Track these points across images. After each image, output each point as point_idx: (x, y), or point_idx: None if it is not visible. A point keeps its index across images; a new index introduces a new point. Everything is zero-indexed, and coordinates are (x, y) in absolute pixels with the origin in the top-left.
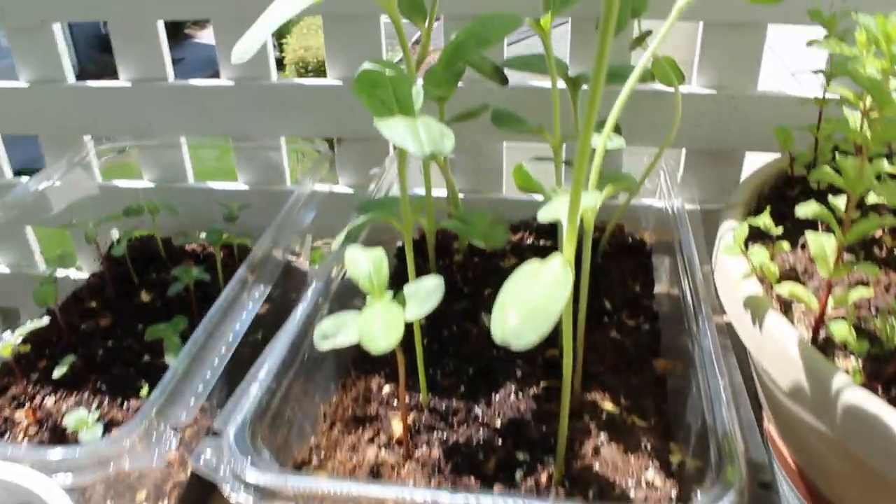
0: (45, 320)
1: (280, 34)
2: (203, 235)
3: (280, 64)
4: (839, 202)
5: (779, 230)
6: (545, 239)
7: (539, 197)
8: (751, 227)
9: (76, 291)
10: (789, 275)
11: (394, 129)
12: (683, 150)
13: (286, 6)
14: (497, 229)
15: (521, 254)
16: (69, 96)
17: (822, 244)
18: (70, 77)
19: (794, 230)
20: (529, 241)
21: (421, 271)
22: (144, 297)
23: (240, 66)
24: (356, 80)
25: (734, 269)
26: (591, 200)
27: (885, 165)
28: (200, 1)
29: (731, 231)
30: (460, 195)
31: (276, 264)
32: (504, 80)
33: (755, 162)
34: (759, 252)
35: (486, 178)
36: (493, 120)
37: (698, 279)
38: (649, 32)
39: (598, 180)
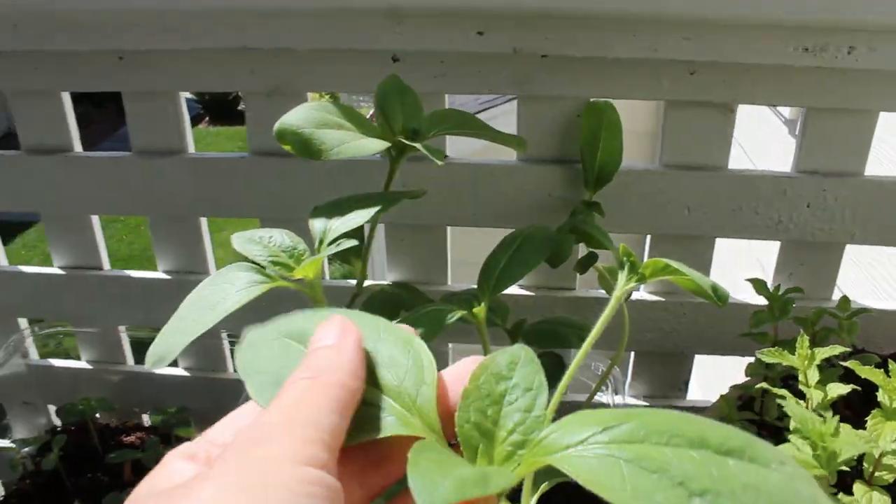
0: None
1: None
2: (146, 419)
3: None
4: None
5: None
6: None
7: None
8: None
9: (4, 501)
10: None
11: None
12: (632, 353)
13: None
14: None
15: None
16: (1, 280)
17: None
18: (2, 261)
19: None
20: None
21: None
22: None
23: (175, 259)
24: None
25: None
26: None
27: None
28: (130, 200)
29: None
30: None
31: None
32: None
33: None
34: None
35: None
36: None
37: None
38: (595, 256)
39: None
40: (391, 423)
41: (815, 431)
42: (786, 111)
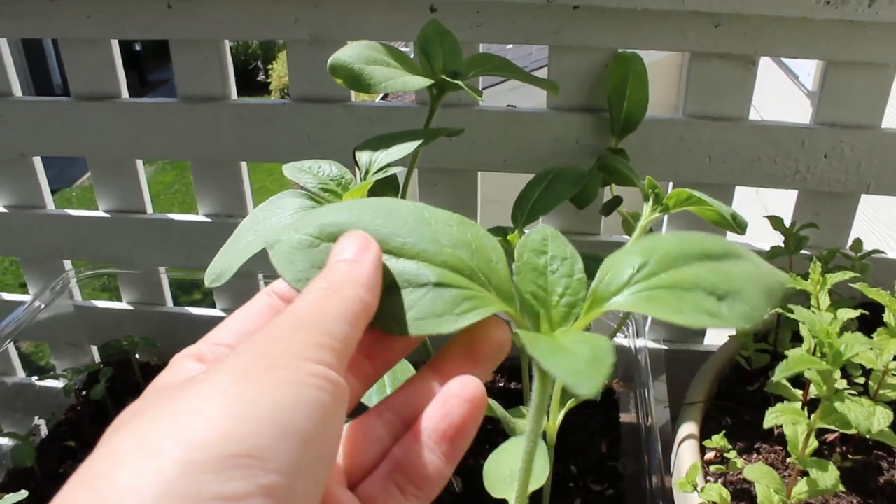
0: (23, 494)
1: (266, 60)
2: None
3: (266, 89)
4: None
5: (733, 453)
6: (517, 381)
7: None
8: (705, 447)
9: (53, 430)
10: (743, 493)
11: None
12: None
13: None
14: None
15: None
16: (48, 223)
17: (769, 496)
18: (49, 204)
19: (754, 423)
20: (501, 384)
21: None
22: None
23: (216, 203)
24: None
25: (688, 501)
26: (540, 480)
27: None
28: (174, 145)
29: (689, 440)
30: None
31: None
32: None
33: None
34: (711, 488)
35: None
36: None
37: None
38: (620, 199)
39: (561, 391)
40: (477, 306)
41: (823, 330)
42: (808, 83)
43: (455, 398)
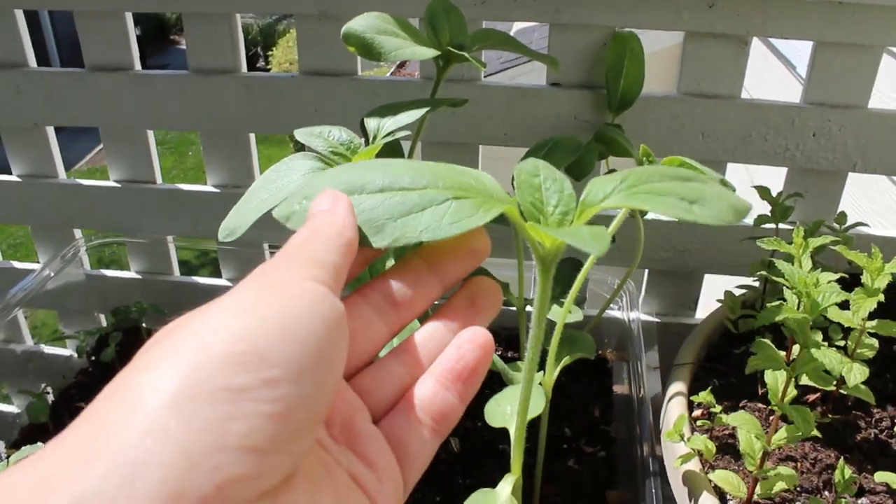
0: (40, 446)
1: (266, 46)
2: None
3: None
4: (777, 381)
5: (719, 408)
6: (514, 350)
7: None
8: (693, 402)
9: (64, 391)
10: (727, 447)
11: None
12: (646, 271)
13: (277, 190)
14: None
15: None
16: (60, 192)
17: (750, 442)
18: (61, 174)
19: (740, 384)
20: (499, 352)
21: None
22: None
23: (224, 174)
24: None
25: (675, 451)
26: (537, 409)
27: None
28: (185, 116)
29: (678, 397)
30: None
31: None
32: None
33: None
34: (697, 439)
35: None
36: None
37: (647, 422)
38: (615, 172)
39: (557, 349)
40: (491, 207)
41: (801, 281)
42: (805, 73)
43: (468, 343)
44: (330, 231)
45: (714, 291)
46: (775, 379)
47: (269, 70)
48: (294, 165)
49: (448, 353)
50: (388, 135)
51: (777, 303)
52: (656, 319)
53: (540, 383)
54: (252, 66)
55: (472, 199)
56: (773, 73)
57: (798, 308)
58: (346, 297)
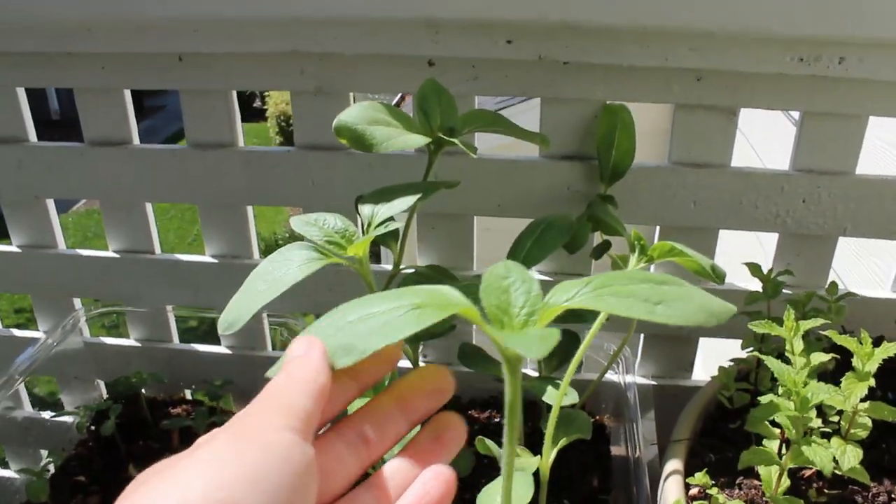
0: None
1: None
2: (188, 394)
3: (263, 115)
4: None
5: (714, 490)
6: None
7: None
8: (689, 484)
9: (64, 464)
10: None
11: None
12: (642, 335)
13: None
14: (462, 457)
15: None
16: (59, 262)
17: None
18: (61, 244)
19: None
20: (496, 419)
21: None
22: (132, 471)
23: (222, 244)
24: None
25: None
26: (524, 500)
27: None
28: (184, 188)
29: (674, 476)
30: None
31: None
32: None
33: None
34: None
35: None
36: (460, 357)
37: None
38: (609, 244)
39: (553, 431)
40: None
41: (790, 380)
42: (796, 113)
43: (433, 480)
44: (305, 377)
45: (710, 348)
46: (769, 473)
47: (265, 110)
48: (290, 256)
49: (414, 487)
50: (382, 223)
51: (769, 399)
52: (653, 382)
53: (537, 470)
54: (248, 106)
55: (431, 306)
56: (767, 116)
57: (789, 400)
58: (323, 433)
